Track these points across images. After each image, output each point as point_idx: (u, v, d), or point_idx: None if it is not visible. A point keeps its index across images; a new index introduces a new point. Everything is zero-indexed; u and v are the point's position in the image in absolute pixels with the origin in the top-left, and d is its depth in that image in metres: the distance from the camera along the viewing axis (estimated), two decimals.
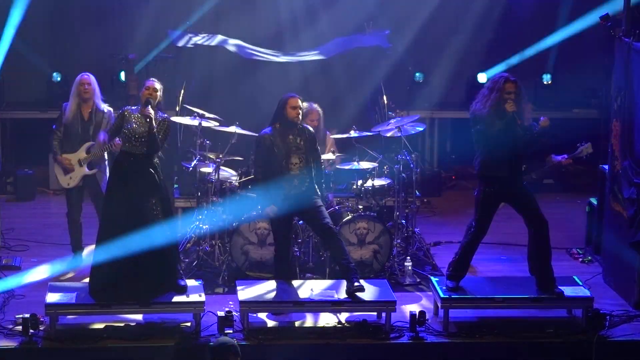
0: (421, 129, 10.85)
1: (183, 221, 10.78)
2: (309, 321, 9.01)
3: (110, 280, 8.68)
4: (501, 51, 13.83)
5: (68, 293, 8.80)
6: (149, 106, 8.79)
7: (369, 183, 10.56)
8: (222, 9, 13.21)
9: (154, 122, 8.76)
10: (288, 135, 9.16)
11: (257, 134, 9.52)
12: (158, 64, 13.18)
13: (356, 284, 8.88)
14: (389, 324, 8.80)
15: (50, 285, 9.06)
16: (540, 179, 10.71)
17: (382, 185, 10.68)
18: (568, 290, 9.08)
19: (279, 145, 9.12)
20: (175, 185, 11.86)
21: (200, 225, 10.43)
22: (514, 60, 13.62)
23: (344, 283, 9.01)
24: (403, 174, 10.59)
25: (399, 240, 10.54)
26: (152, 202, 8.75)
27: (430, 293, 9.44)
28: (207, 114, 10.64)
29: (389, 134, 10.77)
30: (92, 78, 10.09)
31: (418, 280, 10.13)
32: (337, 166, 10.62)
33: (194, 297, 8.79)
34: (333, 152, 10.51)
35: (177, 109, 11.87)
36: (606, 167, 10.27)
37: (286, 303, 8.94)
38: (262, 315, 9.04)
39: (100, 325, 8.71)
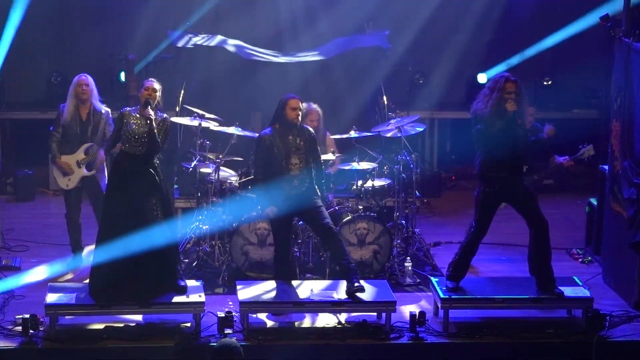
0: (421, 129, 10.85)
1: (183, 222, 10.78)
2: (309, 321, 9.01)
3: (110, 280, 8.68)
4: (501, 51, 13.83)
5: (68, 293, 8.80)
6: (149, 107, 8.78)
7: (369, 183, 10.56)
8: (222, 10, 13.22)
9: (154, 123, 8.75)
10: (288, 136, 9.16)
11: (257, 135, 9.53)
12: (158, 65, 13.18)
13: (356, 284, 8.88)
14: (389, 324, 8.80)
15: (50, 285, 9.05)
16: (541, 179, 10.71)
17: (382, 186, 10.68)
18: (568, 291, 9.08)
19: (279, 145, 9.12)
20: (175, 186, 11.86)
21: (200, 226, 10.43)
22: (514, 60, 13.62)
23: (344, 283, 9.01)
24: (403, 175, 10.58)
25: (399, 241, 10.54)
26: (152, 202, 8.75)
27: (430, 293, 9.44)
28: (207, 115, 10.63)
29: (389, 135, 10.77)
30: (90, 79, 10.08)
31: (418, 280, 10.13)
32: (337, 166, 10.62)
33: (193, 298, 8.78)
34: (333, 153, 10.50)
35: (177, 109, 11.88)
36: (606, 167, 10.26)
37: (286, 303, 8.94)
38: (262, 316, 9.04)
39: (100, 326, 8.71)
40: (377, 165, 10.70)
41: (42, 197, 13.17)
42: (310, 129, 9.39)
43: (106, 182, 9.59)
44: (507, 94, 8.85)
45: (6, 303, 9.21)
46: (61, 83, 13.37)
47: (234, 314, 8.78)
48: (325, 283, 9.32)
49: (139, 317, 8.88)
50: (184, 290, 8.84)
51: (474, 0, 13.90)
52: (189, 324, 8.80)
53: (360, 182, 10.52)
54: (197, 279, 9.52)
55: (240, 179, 10.52)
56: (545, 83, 14.15)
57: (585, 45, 13.79)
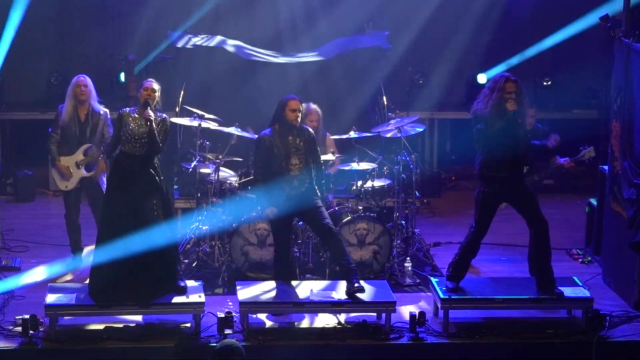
0: (421, 129, 10.84)
1: (183, 222, 10.78)
2: (308, 322, 9.01)
3: (110, 281, 8.67)
4: (501, 51, 13.82)
5: (68, 294, 8.80)
6: (149, 108, 8.78)
7: (369, 184, 10.55)
8: (221, 10, 13.21)
9: (154, 124, 8.75)
10: (287, 136, 9.16)
11: (256, 136, 9.53)
12: (158, 65, 13.17)
13: (356, 284, 8.88)
14: (389, 324, 8.80)
15: (50, 286, 9.06)
16: (541, 179, 10.71)
17: (382, 186, 10.68)
18: (568, 291, 9.08)
19: (279, 146, 9.12)
20: (175, 186, 11.86)
21: (200, 226, 10.43)
22: (514, 60, 13.62)
23: (344, 284, 9.01)
24: (403, 175, 10.58)
25: (398, 241, 10.54)
26: (153, 202, 8.75)
27: (430, 294, 9.43)
28: (206, 115, 10.63)
29: (388, 135, 10.77)
30: (89, 80, 10.07)
31: (418, 281, 10.13)
32: (337, 167, 10.62)
33: (193, 298, 8.78)
34: (333, 153, 10.50)
35: (177, 109, 11.87)
36: (606, 167, 10.26)
37: (286, 304, 8.94)
38: (262, 316, 9.04)
39: (100, 326, 8.71)
40: (377, 165, 10.70)
41: (42, 197, 13.17)
42: (310, 130, 9.39)
43: (106, 182, 9.59)
44: (507, 94, 8.86)
45: (6, 303, 9.21)
46: (61, 83, 13.34)
47: (233, 314, 8.79)
48: (325, 283, 9.32)
49: (138, 318, 8.88)
50: (183, 291, 8.84)
51: (474, 1, 13.89)
52: (188, 325, 8.80)
53: (360, 183, 10.52)
54: (196, 279, 9.52)
55: (240, 180, 10.52)
56: (545, 83, 14.14)
57: (585, 45, 13.79)
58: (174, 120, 10.66)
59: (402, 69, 13.57)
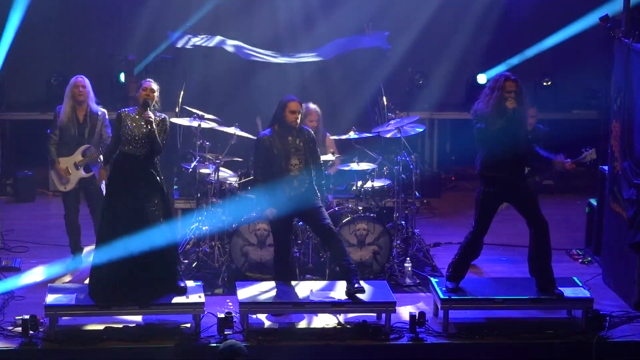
0: (421, 130, 10.84)
1: (183, 222, 10.78)
2: (308, 322, 9.00)
3: (110, 281, 8.67)
4: (501, 52, 13.83)
5: (68, 294, 8.80)
6: (148, 109, 8.77)
7: (369, 184, 10.55)
8: (221, 11, 13.21)
9: (154, 124, 8.74)
10: (287, 137, 9.15)
11: (255, 137, 9.53)
12: (158, 65, 13.17)
13: (356, 285, 8.87)
14: (389, 325, 8.80)
15: (50, 286, 9.05)
16: (541, 180, 10.71)
17: (382, 186, 10.68)
18: (568, 291, 9.08)
19: (278, 146, 9.12)
20: (175, 187, 11.86)
21: (200, 227, 10.42)
22: (514, 60, 13.62)
23: (344, 284, 9.00)
24: (403, 175, 10.58)
25: (398, 241, 10.54)
26: (154, 202, 8.74)
27: (430, 294, 9.43)
28: (206, 115, 10.63)
29: (388, 135, 10.77)
30: (87, 81, 10.07)
31: (418, 281, 10.12)
32: (337, 167, 10.61)
33: (193, 298, 8.78)
34: (333, 153, 10.50)
35: (177, 110, 11.87)
36: (606, 168, 10.26)
37: (286, 304, 8.93)
38: (262, 317, 9.03)
39: (100, 327, 8.70)
40: (376, 166, 10.70)
41: (42, 198, 13.17)
42: (310, 130, 9.39)
43: (105, 183, 9.58)
44: (507, 93, 8.86)
45: (6, 304, 9.21)
46: (61, 84, 13.31)
47: (233, 314, 8.78)
48: (325, 284, 9.32)
49: (138, 318, 8.88)
50: (183, 291, 8.83)
51: (474, 1, 13.90)
52: (188, 325, 8.79)
53: (360, 183, 10.51)
54: (196, 279, 9.51)
55: (239, 180, 10.51)
56: (545, 83, 14.14)
57: (585, 45, 13.79)
58: (174, 120, 10.66)
59: (402, 70, 13.57)
